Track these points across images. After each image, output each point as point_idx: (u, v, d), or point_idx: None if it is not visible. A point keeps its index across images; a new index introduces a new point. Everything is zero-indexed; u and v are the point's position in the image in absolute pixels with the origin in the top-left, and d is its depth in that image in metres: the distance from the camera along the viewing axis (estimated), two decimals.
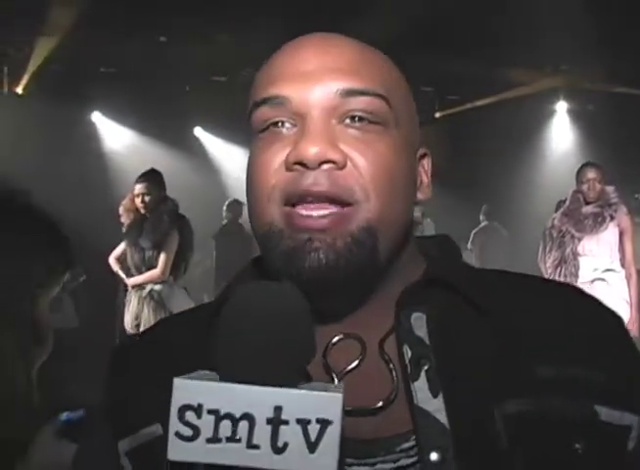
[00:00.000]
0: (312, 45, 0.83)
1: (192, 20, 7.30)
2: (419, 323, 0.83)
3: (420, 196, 0.89)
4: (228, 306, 0.65)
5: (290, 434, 0.60)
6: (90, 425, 1.29)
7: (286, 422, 0.60)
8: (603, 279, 5.39)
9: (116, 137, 10.14)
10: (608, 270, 5.40)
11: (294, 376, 0.63)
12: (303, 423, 0.60)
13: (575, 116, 11.09)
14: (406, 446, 0.79)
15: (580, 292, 0.90)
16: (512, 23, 7.30)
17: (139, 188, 5.24)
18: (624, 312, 5.33)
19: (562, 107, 11.12)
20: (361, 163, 0.79)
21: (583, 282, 5.40)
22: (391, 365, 0.82)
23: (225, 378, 0.63)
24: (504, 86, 9.87)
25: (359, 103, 0.80)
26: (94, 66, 9.14)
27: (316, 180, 0.78)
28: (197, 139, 10.72)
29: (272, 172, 0.80)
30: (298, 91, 0.80)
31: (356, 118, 0.80)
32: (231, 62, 8.87)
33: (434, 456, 0.76)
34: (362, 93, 0.80)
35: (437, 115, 10.84)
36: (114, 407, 0.91)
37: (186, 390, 0.62)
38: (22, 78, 9.16)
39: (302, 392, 0.61)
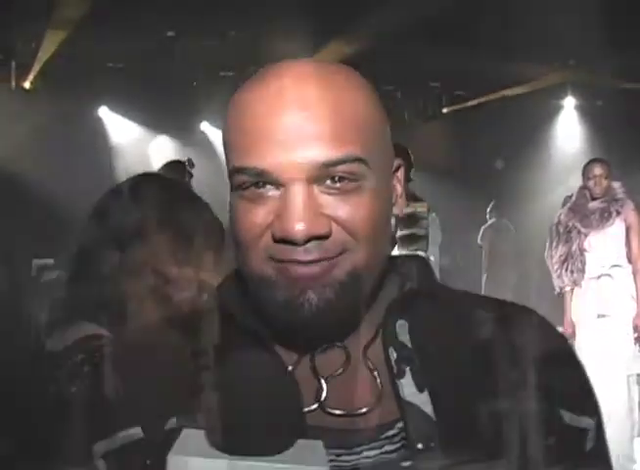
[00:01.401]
0: (287, 105, 0.82)
1: (200, 15, 7.30)
2: (402, 330, 0.90)
3: (396, 211, 0.92)
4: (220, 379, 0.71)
5: None
6: None
7: None
8: (609, 275, 5.38)
9: (123, 132, 10.13)
10: (614, 266, 5.38)
11: (284, 443, 0.68)
12: None
13: (583, 111, 11.05)
14: (390, 433, 0.86)
15: (534, 312, 1.01)
16: (519, 19, 7.28)
17: None
18: (630, 308, 5.32)
19: (570, 102, 11.07)
20: (345, 222, 0.83)
21: (590, 278, 5.39)
22: (375, 373, 0.89)
23: (220, 449, 0.67)
24: (511, 82, 9.84)
25: (339, 169, 0.82)
26: (101, 60, 9.14)
27: (306, 251, 0.82)
28: (204, 134, 10.73)
29: (259, 236, 0.83)
30: (278, 165, 0.81)
31: (336, 178, 0.83)
32: (239, 57, 8.87)
33: (420, 445, 0.83)
34: (342, 162, 0.82)
35: (445, 110, 10.83)
36: (94, 409, 0.91)
37: (181, 466, 0.66)
38: (29, 73, 9.15)
39: (294, 466, 0.66)
